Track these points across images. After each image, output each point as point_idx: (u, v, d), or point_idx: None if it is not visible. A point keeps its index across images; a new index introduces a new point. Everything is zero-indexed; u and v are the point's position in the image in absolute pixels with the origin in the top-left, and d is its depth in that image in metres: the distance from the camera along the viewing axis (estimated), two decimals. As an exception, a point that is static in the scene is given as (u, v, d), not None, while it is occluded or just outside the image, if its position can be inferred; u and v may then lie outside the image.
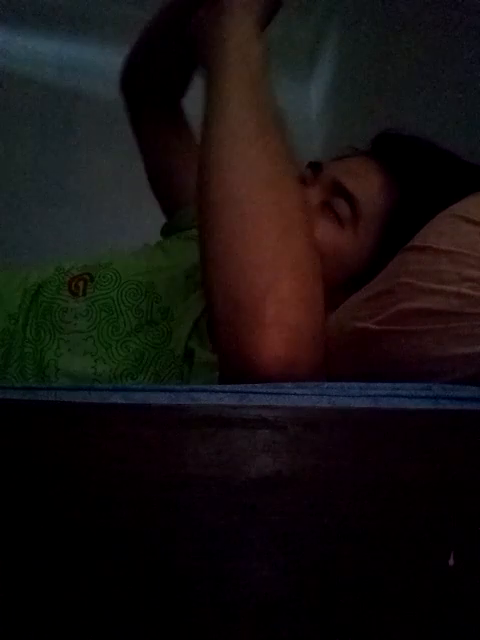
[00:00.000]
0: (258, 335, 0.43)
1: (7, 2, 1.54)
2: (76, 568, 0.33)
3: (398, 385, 0.38)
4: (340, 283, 0.61)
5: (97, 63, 1.61)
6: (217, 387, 0.39)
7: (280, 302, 0.44)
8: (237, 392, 0.36)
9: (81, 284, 0.68)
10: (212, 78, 0.54)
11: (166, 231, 0.86)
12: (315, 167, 0.69)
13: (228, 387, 0.38)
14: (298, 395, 0.36)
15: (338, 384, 0.38)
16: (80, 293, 0.67)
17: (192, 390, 0.36)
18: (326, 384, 0.39)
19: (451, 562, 0.33)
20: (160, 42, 0.77)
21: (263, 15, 0.58)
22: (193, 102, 0.72)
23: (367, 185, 0.64)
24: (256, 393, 0.36)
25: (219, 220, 0.48)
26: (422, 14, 1.30)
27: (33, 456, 0.34)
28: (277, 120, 0.53)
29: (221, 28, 0.56)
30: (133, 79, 0.83)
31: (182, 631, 0.32)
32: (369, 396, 0.37)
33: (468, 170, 0.64)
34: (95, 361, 0.63)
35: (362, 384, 0.38)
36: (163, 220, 0.87)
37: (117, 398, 0.35)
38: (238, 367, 0.45)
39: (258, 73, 0.54)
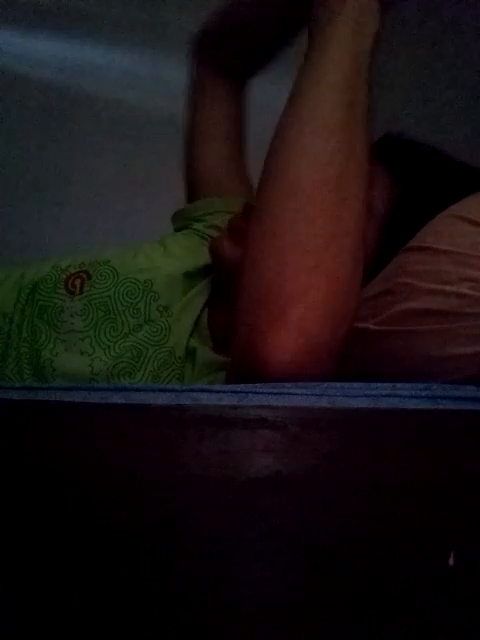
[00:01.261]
0: (274, 333, 0.43)
1: (7, 2, 1.54)
2: (76, 568, 0.33)
3: (398, 385, 0.38)
4: None
5: (97, 63, 1.60)
6: (217, 387, 0.39)
7: (307, 309, 0.43)
8: (237, 392, 0.36)
9: (78, 282, 0.67)
10: (315, 42, 0.50)
11: (178, 217, 0.84)
12: None
13: (228, 387, 0.38)
14: (298, 395, 0.36)
15: (338, 384, 0.38)
16: (77, 291, 0.66)
17: (192, 390, 0.36)
18: (326, 384, 0.39)
19: (451, 562, 0.33)
20: (257, 12, 0.73)
21: None
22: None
23: (372, 184, 0.64)
24: (256, 393, 0.36)
25: (273, 206, 0.46)
26: (422, 14, 1.30)
27: (33, 456, 0.34)
28: (367, 111, 0.49)
29: None
30: (211, 37, 0.81)
31: (182, 631, 0.32)
32: (369, 396, 0.37)
33: (467, 172, 0.64)
34: (92, 360, 0.63)
35: (362, 384, 0.38)
36: (163, 220, 0.86)
37: (117, 398, 0.35)
38: (246, 359, 0.44)
39: (365, 52, 0.49)
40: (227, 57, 0.81)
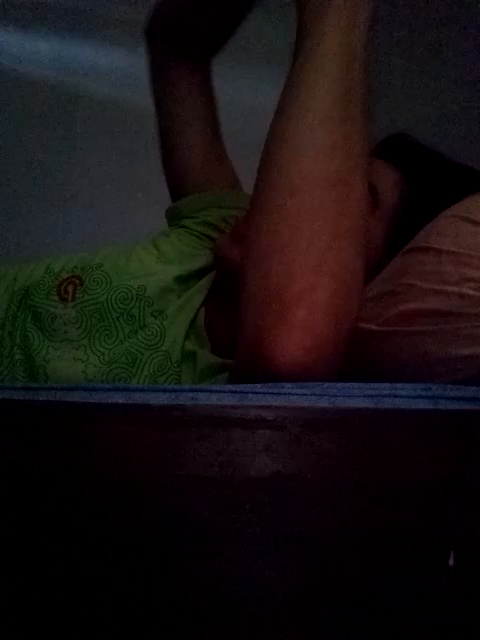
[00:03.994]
0: (280, 334, 0.43)
1: (7, 2, 1.54)
2: (76, 568, 0.33)
3: (398, 385, 0.38)
4: None
5: (97, 63, 1.60)
6: (217, 387, 0.39)
7: (312, 308, 0.43)
8: (237, 392, 0.36)
9: (70, 288, 0.66)
10: (306, 32, 0.48)
11: (170, 215, 0.83)
12: None
13: (228, 387, 0.38)
14: (298, 395, 0.36)
15: (338, 384, 0.38)
16: (69, 298, 0.65)
17: (192, 390, 0.36)
18: (326, 384, 0.39)
19: (451, 562, 0.33)
20: None
21: None
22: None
23: (383, 179, 0.64)
24: (256, 393, 0.36)
25: (273, 205, 0.45)
26: (421, 14, 1.30)
27: (33, 456, 0.34)
28: (364, 101, 0.47)
29: None
30: (164, 21, 0.77)
31: (182, 631, 0.32)
32: (369, 396, 0.37)
33: (468, 172, 0.64)
34: (85, 366, 0.62)
35: (362, 384, 0.38)
36: (163, 220, 0.86)
37: (117, 398, 0.35)
38: (252, 361, 0.44)
39: (361, 41, 0.47)
40: (184, 38, 0.76)
